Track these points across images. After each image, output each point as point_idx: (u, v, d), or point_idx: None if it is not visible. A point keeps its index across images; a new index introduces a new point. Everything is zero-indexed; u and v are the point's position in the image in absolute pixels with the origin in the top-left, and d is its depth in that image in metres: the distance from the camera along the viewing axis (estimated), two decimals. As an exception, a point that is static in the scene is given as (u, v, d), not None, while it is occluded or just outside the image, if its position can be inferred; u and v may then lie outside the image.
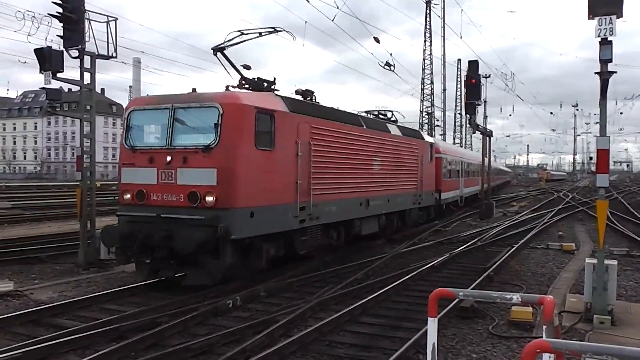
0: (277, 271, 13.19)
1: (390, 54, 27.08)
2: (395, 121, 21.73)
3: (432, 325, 5.37)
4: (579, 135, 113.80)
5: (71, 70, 14.86)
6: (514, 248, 17.40)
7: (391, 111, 21.55)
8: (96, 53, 14.74)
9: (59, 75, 13.92)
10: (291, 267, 13.73)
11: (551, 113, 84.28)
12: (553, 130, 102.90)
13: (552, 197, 49.73)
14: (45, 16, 14.26)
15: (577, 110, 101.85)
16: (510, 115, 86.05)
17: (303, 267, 13.85)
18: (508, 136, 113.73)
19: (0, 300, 10.84)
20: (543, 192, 62.06)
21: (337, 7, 19.80)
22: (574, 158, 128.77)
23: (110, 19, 14.95)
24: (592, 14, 9.32)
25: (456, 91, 78.02)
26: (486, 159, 33.83)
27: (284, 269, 13.46)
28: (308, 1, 17.81)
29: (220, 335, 8.34)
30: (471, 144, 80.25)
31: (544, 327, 4.69)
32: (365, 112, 20.22)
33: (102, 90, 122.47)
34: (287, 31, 14.09)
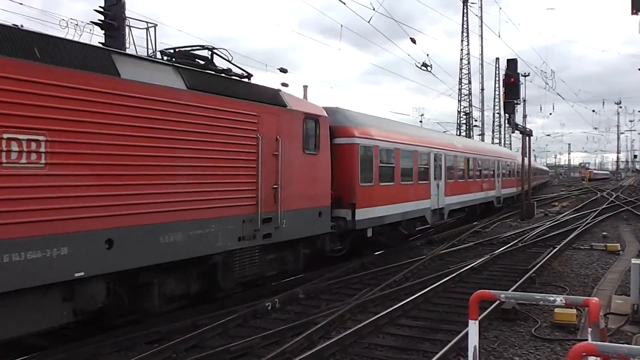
0: (315, 273, 13.21)
1: (427, 55, 26.87)
2: (219, 72, 10.92)
3: (473, 328, 5.31)
4: (622, 133, 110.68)
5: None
6: (556, 249, 17.04)
7: (211, 48, 11.11)
8: (136, 59, 15.04)
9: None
10: (330, 269, 13.72)
11: (593, 111, 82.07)
12: (595, 128, 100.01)
13: (595, 196, 48.57)
14: (88, 24, 14.62)
15: (621, 107, 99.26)
16: (550, 114, 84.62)
17: (341, 269, 13.83)
18: (549, 135, 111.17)
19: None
20: (586, 191, 60.69)
21: (374, 9, 19.75)
22: (617, 156, 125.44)
23: (149, 25, 15.24)
24: (635, 9, 9.13)
25: (494, 90, 76.93)
26: (526, 159, 32.92)
27: (322, 271, 13.47)
28: (344, 3, 17.80)
29: (259, 337, 8.41)
30: (510, 144, 79.04)
31: (590, 329, 4.59)
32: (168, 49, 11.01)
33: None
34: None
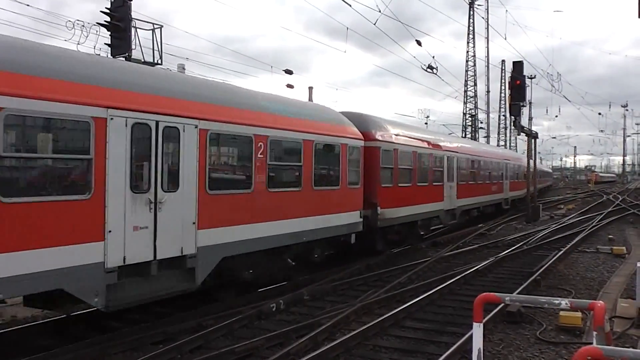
0: (320, 274, 13.22)
1: (433, 57, 26.83)
2: None
3: (477, 331, 5.31)
4: (628, 136, 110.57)
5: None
6: (562, 251, 16.99)
7: None
8: (142, 60, 15.08)
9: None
10: (335, 271, 13.72)
11: (599, 114, 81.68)
12: (601, 131, 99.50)
13: (601, 199, 48.41)
14: (94, 25, 14.69)
15: (627, 110, 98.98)
16: (556, 116, 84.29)
17: (346, 271, 13.83)
18: (554, 138, 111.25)
19: (52, 302, 11.15)
20: (591, 194, 60.48)
21: (379, 11, 19.75)
22: (623, 159, 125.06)
23: (155, 26, 15.29)
24: (642, 11, 9.10)
25: (500, 93, 76.70)
26: (531, 162, 32.63)
27: (327, 272, 13.48)
28: (349, 5, 17.80)
29: (264, 338, 8.41)
30: (516, 146, 78.84)
31: (595, 333, 4.58)
32: None
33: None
34: None
